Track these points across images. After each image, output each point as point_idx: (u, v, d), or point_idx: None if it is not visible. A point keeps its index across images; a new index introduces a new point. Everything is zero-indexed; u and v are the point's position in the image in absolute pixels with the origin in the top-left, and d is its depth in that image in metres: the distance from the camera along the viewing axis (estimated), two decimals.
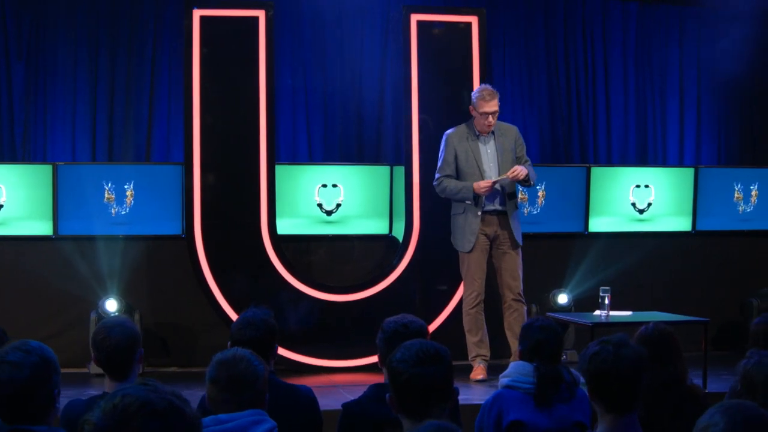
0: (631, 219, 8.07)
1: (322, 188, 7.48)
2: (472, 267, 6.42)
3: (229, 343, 3.56)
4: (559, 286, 7.67)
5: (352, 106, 8.00)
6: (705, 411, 2.05)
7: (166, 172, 7.26)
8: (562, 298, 7.47)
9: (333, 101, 7.99)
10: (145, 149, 7.69)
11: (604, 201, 7.99)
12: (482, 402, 3.73)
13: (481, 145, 6.50)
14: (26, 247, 7.18)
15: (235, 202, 6.91)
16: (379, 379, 3.61)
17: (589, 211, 7.92)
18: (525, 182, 6.47)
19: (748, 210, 8.31)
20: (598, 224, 7.97)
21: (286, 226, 7.24)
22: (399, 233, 7.32)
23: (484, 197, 6.40)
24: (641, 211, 8.07)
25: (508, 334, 6.45)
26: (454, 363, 2.81)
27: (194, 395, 3.62)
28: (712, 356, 6.37)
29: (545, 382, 3.55)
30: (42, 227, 7.10)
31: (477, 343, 6.46)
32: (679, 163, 8.65)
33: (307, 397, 3.65)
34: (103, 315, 6.69)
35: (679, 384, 3.74)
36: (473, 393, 5.95)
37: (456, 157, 6.48)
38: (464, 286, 6.55)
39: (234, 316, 6.54)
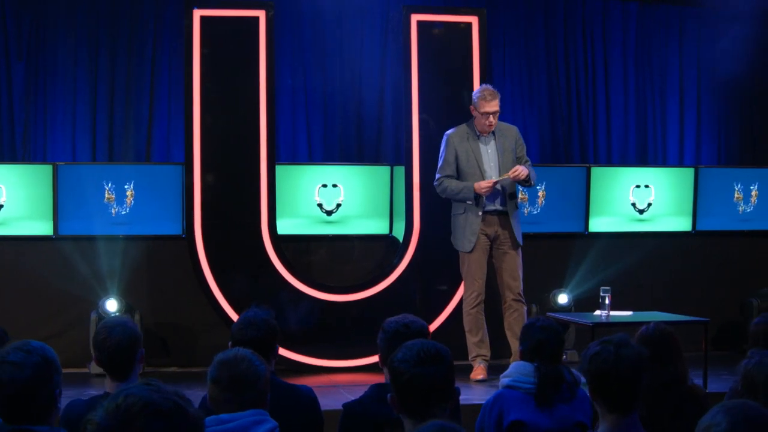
0: (631, 219, 8.07)
1: (322, 188, 7.48)
2: (473, 267, 6.43)
3: (230, 343, 3.56)
4: (560, 286, 7.67)
5: (352, 106, 8.00)
6: (705, 411, 2.05)
7: (166, 172, 7.26)
8: (563, 298, 7.47)
9: (333, 101, 7.99)
10: (145, 149, 7.69)
11: (604, 201, 7.99)
12: (482, 402, 3.73)
13: (481, 145, 6.50)
14: (26, 247, 7.18)
15: (236, 202, 6.91)
16: (379, 379, 3.61)
17: (589, 211, 7.92)
18: (525, 182, 6.47)
19: (748, 210, 8.31)
20: (598, 224, 7.98)
21: (286, 226, 7.24)
22: (399, 233, 7.32)
23: (484, 197, 6.40)
24: (641, 211, 8.08)
25: (508, 334, 6.45)
26: (454, 363, 2.81)
27: (195, 395, 3.61)
28: (712, 356, 6.37)
29: (546, 382, 3.55)
30: (42, 227, 7.10)
31: (477, 343, 6.46)
32: (679, 163, 8.65)
33: (308, 397, 3.66)
34: (103, 315, 6.69)
35: (679, 384, 3.74)
36: (473, 393, 5.95)
37: (457, 157, 6.48)
38: (465, 286, 6.55)
39: (234, 316, 6.55)
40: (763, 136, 8.91)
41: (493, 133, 6.52)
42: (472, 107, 6.50)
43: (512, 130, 6.63)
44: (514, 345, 6.21)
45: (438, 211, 6.72)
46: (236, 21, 6.92)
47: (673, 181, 8.18)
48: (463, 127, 6.56)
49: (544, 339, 3.67)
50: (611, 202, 8.02)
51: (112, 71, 7.63)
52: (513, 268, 6.46)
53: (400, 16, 7.17)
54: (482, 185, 6.35)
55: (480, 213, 6.42)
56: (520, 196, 7.17)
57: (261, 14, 6.90)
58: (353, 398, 3.57)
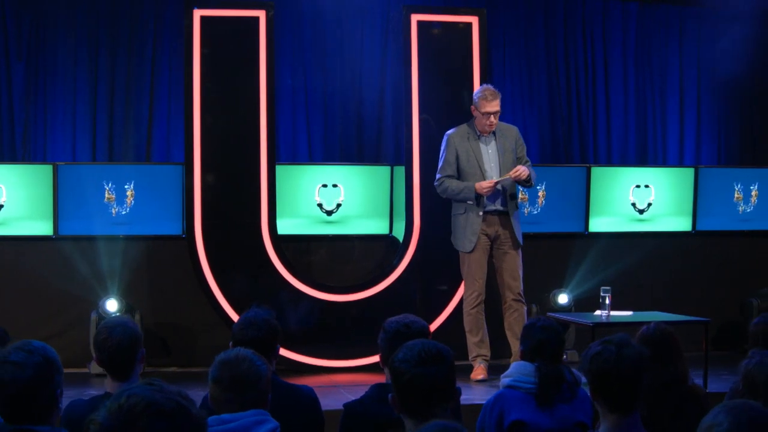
0: (631, 219, 8.07)
1: (322, 188, 7.48)
2: (473, 267, 6.43)
3: (231, 343, 3.56)
4: (560, 286, 7.67)
5: (352, 106, 8.00)
6: (706, 411, 2.05)
7: (166, 172, 7.26)
8: (563, 298, 7.48)
9: (333, 101, 7.99)
10: (145, 149, 7.69)
11: (604, 201, 7.99)
12: (483, 402, 3.73)
13: (482, 145, 6.50)
14: (26, 247, 7.17)
15: (236, 202, 6.91)
16: (379, 378, 3.61)
17: (590, 211, 7.93)
18: (526, 183, 6.47)
19: (748, 210, 8.32)
20: (598, 224, 7.98)
21: (286, 226, 7.24)
22: (399, 233, 7.32)
23: (485, 197, 6.40)
24: (641, 211, 8.08)
25: (508, 334, 6.46)
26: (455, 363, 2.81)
27: (195, 395, 3.57)
28: (712, 356, 6.37)
29: (547, 382, 3.55)
30: (42, 227, 7.10)
31: (477, 343, 6.46)
32: (679, 163, 8.65)
33: (309, 397, 3.66)
34: (103, 315, 6.69)
35: (680, 384, 3.74)
36: (474, 393, 5.95)
37: (457, 158, 6.48)
38: (465, 286, 6.55)
39: (234, 316, 6.55)
40: (763, 136, 8.92)
41: (494, 133, 6.52)
42: (472, 107, 6.50)
43: (512, 131, 6.64)
44: (515, 345, 6.21)
45: (438, 211, 6.72)
46: (236, 21, 6.92)
47: (673, 181, 8.18)
48: (464, 127, 6.56)
49: (545, 339, 3.67)
50: (611, 202, 8.02)
51: (112, 71, 7.63)
52: (513, 268, 6.46)
53: (400, 16, 7.17)
54: (483, 185, 6.35)
55: (481, 213, 6.42)
56: (520, 196, 7.17)
57: (261, 14, 6.90)
58: (353, 398, 3.57)
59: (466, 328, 6.49)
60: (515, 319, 6.39)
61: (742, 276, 8.23)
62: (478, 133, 6.51)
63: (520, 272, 6.49)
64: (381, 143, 8.05)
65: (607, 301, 6.23)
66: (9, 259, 7.17)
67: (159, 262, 7.32)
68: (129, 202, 7.18)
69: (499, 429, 3.53)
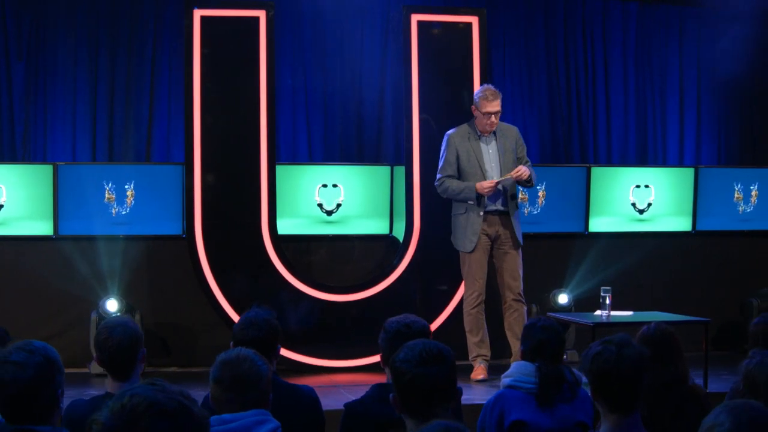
0: (631, 219, 8.07)
1: (322, 188, 7.48)
2: (474, 267, 6.43)
3: (231, 344, 3.56)
4: (560, 286, 7.67)
5: (352, 106, 8.00)
6: (706, 411, 2.06)
7: (166, 172, 7.26)
8: (563, 298, 7.48)
9: (333, 101, 7.99)
10: (145, 149, 7.69)
11: (604, 201, 7.99)
12: (483, 402, 3.73)
13: (483, 145, 6.51)
14: (26, 247, 7.17)
15: (236, 202, 6.91)
16: (380, 378, 3.61)
17: (589, 211, 7.93)
18: (527, 183, 6.47)
19: (748, 210, 8.32)
20: (598, 224, 7.98)
21: (286, 226, 7.24)
22: (399, 233, 7.32)
23: (486, 197, 6.40)
24: (641, 211, 8.08)
25: (508, 334, 6.46)
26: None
27: (195, 395, 3.57)
28: (713, 356, 6.37)
29: (547, 382, 3.55)
30: (42, 227, 7.09)
31: (478, 343, 6.46)
32: (679, 163, 8.65)
33: (310, 397, 3.66)
34: (103, 315, 6.69)
35: (680, 384, 3.74)
36: (474, 393, 5.95)
37: (458, 157, 6.48)
38: (465, 286, 6.55)
39: (234, 316, 6.55)
40: (763, 136, 8.92)
41: (494, 133, 6.52)
42: (473, 107, 6.50)
43: (513, 131, 6.64)
44: (515, 345, 6.22)
45: (438, 211, 6.72)
46: (236, 21, 6.92)
47: (673, 181, 8.18)
48: (464, 127, 6.56)
49: (546, 339, 3.67)
50: (611, 202, 8.02)
51: (112, 71, 7.63)
52: (513, 268, 6.46)
53: (400, 16, 7.17)
54: (484, 185, 6.35)
55: (481, 213, 6.42)
56: (520, 196, 7.18)
57: (261, 14, 6.90)
58: (354, 398, 3.57)
59: (467, 328, 6.49)
60: (515, 319, 6.39)
61: (742, 276, 8.23)
62: (479, 133, 6.51)
63: (521, 272, 6.49)
64: (381, 143, 8.05)
65: (608, 301, 6.24)
66: (9, 259, 7.17)
67: (159, 262, 7.32)
68: (129, 202, 7.17)
69: (500, 429, 3.53)
